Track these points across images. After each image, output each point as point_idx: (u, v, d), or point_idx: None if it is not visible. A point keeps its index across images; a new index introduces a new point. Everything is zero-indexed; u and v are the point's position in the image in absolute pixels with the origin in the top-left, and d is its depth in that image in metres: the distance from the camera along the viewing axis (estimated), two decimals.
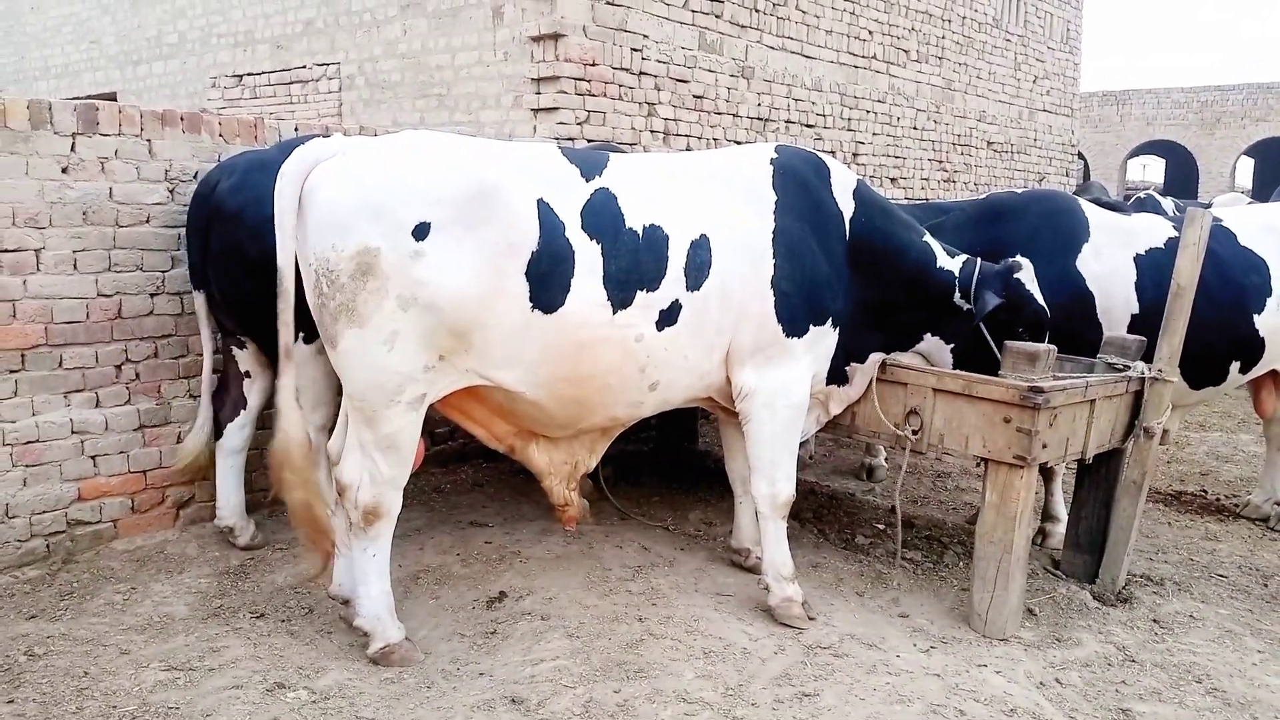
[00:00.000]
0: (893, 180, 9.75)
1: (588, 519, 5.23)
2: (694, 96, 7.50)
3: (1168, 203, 10.57)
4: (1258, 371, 5.81)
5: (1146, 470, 4.88)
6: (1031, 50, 11.98)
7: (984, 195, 5.91)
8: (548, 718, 3.38)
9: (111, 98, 10.53)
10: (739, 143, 7.79)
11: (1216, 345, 5.51)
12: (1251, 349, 5.61)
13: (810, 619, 4.22)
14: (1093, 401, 4.44)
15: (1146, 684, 3.99)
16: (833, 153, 8.94)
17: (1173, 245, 5.54)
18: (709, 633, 4.05)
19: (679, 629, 4.06)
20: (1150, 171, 33.37)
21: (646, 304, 3.83)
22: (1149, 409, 4.81)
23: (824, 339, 4.26)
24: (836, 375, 4.49)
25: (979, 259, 4.58)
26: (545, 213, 3.67)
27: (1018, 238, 5.49)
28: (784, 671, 3.78)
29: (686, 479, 6.20)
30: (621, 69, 6.85)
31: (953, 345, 4.62)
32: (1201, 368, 5.56)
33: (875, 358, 4.53)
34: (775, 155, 4.30)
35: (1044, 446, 4.15)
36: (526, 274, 3.61)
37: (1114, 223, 5.72)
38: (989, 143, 11.43)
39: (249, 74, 8.91)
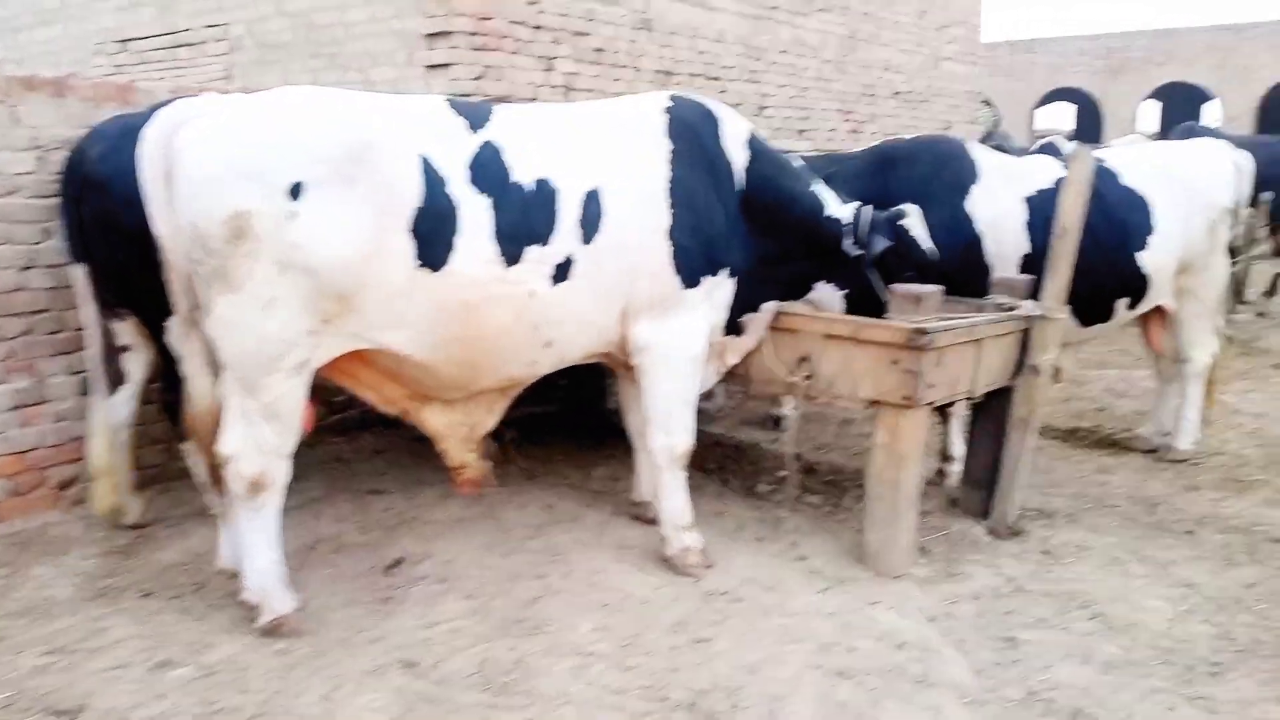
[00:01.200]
0: (800, 133, 9.77)
1: (491, 483, 5.19)
2: (594, 50, 7.39)
3: (1071, 147, 10.77)
4: (1144, 308, 5.97)
5: (1034, 407, 4.99)
6: None
7: (877, 143, 5.94)
8: (442, 678, 3.36)
9: None
10: None
11: (1103, 283, 5.64)
12: (1137, 286, 5.77)
13: (708, 566, 4.26)
14: (979, 341, 4.52)
15: (1034, 612, 4.11)
16: (738, 106, 8.91)
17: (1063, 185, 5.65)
18: (608, 585, 4.06)
19: (578, 583, 4.06)
20: (1064, 120, 34.06)
21: (539, 259, 3.79)
22: (1036, 347, 4.91)
23: (720, 289, 4.26)
24: (733, 325, 4.49)
25: (868, 205, 4.61)
26: (428, 167, 3.59)
27: (909, 184, 5.53)
28: (680, 619, 3.81)
29: (594, 437, 6.19)
30: (518, 23, 6.72)
31: (845, 291, 4.65)
32: (1090, 306, 5.70)
33: (770, 306, 4.55)
34: (669, 104, 4.26)
35: (931, 387, 4.21)
36: (411, 231, 3.54)
37: (1003, 165, 5.81)
38: (895, 93, 11.50)
39: (134, 39, 8.54)
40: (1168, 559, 4.77)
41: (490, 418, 4.26)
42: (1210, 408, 6.60)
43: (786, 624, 3.80)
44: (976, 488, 5.20)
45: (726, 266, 4.23)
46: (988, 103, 14.72)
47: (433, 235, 3.57)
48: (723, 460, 5.88)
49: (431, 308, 3.63)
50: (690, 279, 4.11)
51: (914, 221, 4.62)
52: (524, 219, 3.74)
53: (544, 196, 3.81)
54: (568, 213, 3.85)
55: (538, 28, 6.90)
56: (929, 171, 5.60)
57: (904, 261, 4.53)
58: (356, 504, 4.87)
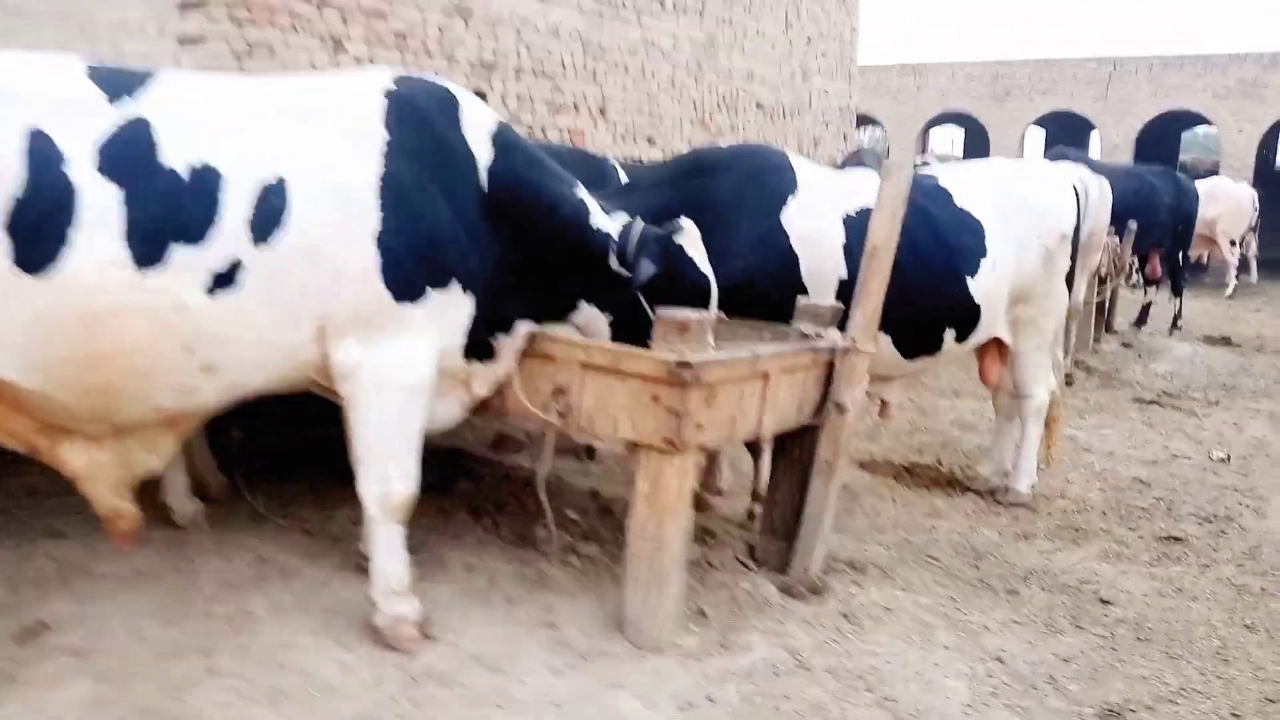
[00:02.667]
0: (650, 140, 9.25)
1: (195, 525, 4.44)
2: (395, 35, 6.70)
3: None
4: (977, 339, 5.54)
5: (840, 449, 4.47)
6: (804, 10, 11.70)
7: (689, 151, 5.39)
8: None
9: None
10: None
11: (928, 311, 5.20)
12: (966, 315, 5.33)
13: (426, 639, 3.58)
14: (766, 375, 3.95)
15: (812, 695, 3.56)
16: (575, 107, 8.33)
17: None
18: (291, 665, 3.35)
19: (252, 663, 3.34)
20: (953, 143, 34.62)
21: (190, 263, 3.08)
22: (841, 382, 4.39)
23: (452, 306, 3.59)
24: (480, 349, 3.84)
25: (641, 221, 4.02)
26: (37, 145, 2.87)
27: (719, 195, 5.00)
28: (363, 712, 3.12)
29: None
30: None
31: (611, 318, 4.04)
32: (913, 335, 5.24)
33: (523, 329, 3.91)
34: (392, 86, 3.59)
35: (699, 428, 3.62)
36: (5, 226, 2.81)
37: (825, 181, 5.33)
38: (758, 104, 11.09)
39: None
40: (981, 624, 4.29)
41: (152, 457, 3.52)
42: (1050, 448, 6.22)
43: (495, 718, 3.14)
44: (776, 537, 4.66)
45: (460, 280, 3.57)
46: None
47: (37, 231, 2.85)
48: (505, 497, 5.20)
49: (35, 321, 2.90)
50: (406, 293, 3.44)
51: (689, 240, 4.04)
52: (169, 213, 3.03)
53: (201, 186, 3.11)
54: (234, 208, 3.15)
55: (323, 5, 6.18)
56: (743, 182, 5.07)
57: (677, 286, 3.94)
58: (17, 551, 4.04)
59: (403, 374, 3.50)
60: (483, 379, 3.92)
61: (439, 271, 3.50)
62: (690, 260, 4.02)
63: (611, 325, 4.05)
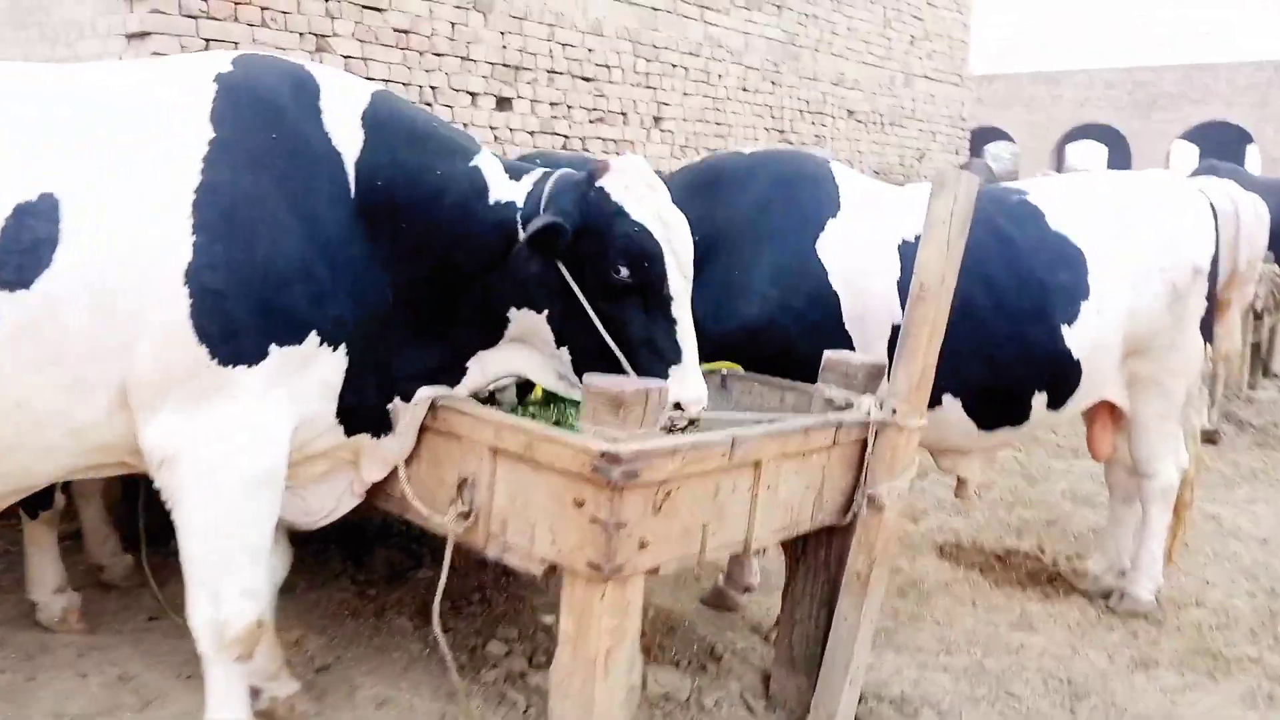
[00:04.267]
0: (713, 153, 8.25)
1: (62, 624, 3.64)
2: (395, 31, 5.89)
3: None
4: (1078, 404, 4.35)
5: (876, 557, 3.38)
6: (907, 6, 10.53)
7: (699, 159, 4.38)
8: None
9: None
10: (472, 95, 6.22)
11: (1010, 369, 4.07)
12: (1062, 374, 4.16)
13: None
14: (756, 464, 2.92)
15: None
16: (622, 115, 7.41)
17: None
18: None
19: None
20: (1094, 158, 32.37)
21: None
22: (876, 469, 3.31)
23: (310, 365, 2.68)
24: (367, 418, 2.92)
25: (567, 171, 3.00)
26: None
27: (737, 213, 4.01)
28: None
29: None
30: None
31: (549, 318, 2.94)
32: (990, 400, 4.12)
33: (426, 392, 2.97)
34: (227, 69, 2.73)
35: (642, 546, 2.61)
36: None
37: (878, 196, 4.25)
38: (849, 111, 9.96)
39: None
40: None
41: None
42: (1177, 539, 4.93)
43: None
44: (795, 670, 3.60)
45: (317, 326, 2.66)
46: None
47: None
48: (470, 595, 4.27)
49: None
50: (233, 351, 2.54)
51: (622, 184, 2.89)
52: None
53: None
54: None
55: None
56: (768, 197, 4.06)
57: (604, 249, 2.83)
58: None
59: (238, 460, 2.60)
60: (377, 459, 3.00)
61: (285, 320, 2.59)
62: (623, 212, 2.87)
63: (556, 332, 3.00)
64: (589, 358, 2.88)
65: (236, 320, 2.53)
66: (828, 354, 3.51)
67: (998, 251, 4.10)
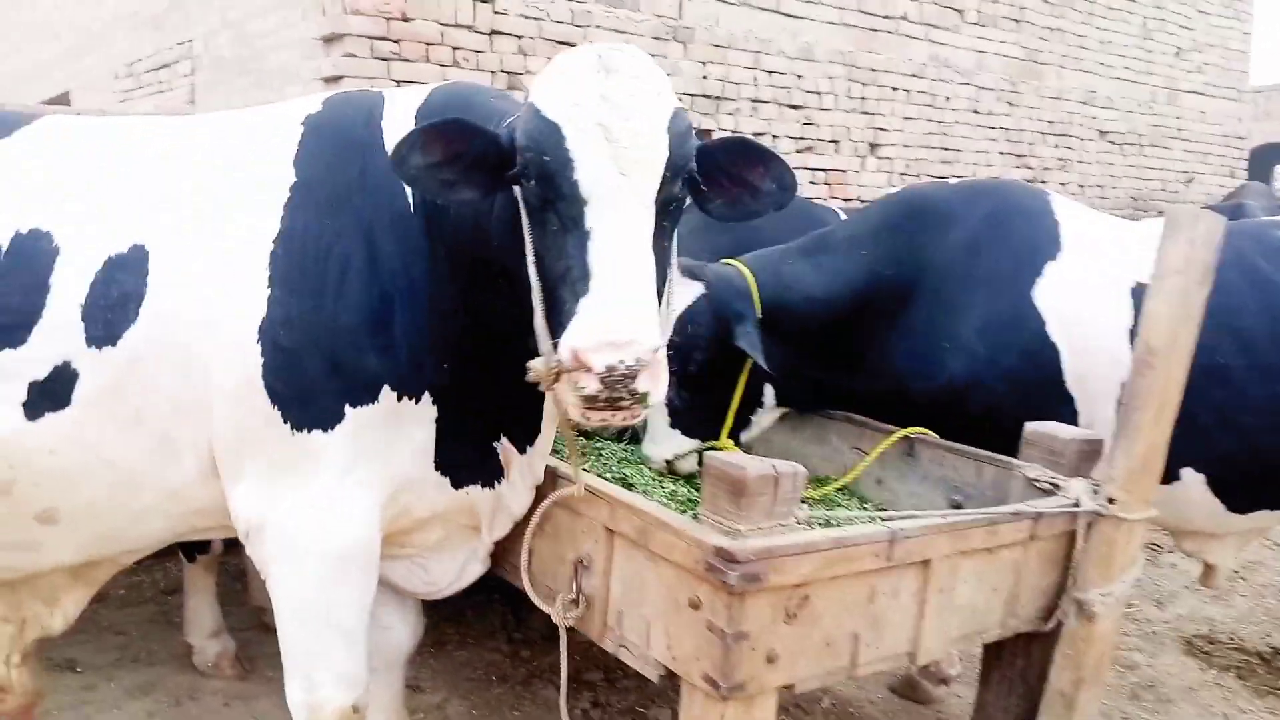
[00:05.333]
0: (940, 180, 7.60)
1: (217, 670, 3.61)
2: None
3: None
4: None
5: (1086, 673, 2.78)
6: (1171, 14, 9.41)
7: (896, 190, 3.88)
8: None
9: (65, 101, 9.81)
10: None
11: (1267, 440, 3.30)
12: None
13: None
14: (925, 562, 2.43)
15: None
16: (834, 144, 6.93)
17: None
18: None
19: None
20: None
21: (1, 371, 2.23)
22: (1087, 568, 2.73)
23: (395, 422, 2.40)
24: (479, 468, 2.59)
25: None
26: None
27: (944, 253, 3.51)
28: None
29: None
30: (458, 25, 5.19)
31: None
32: (1245, 480, 3.39)
33: (543, 442, 2.66)
34: (316, 110, 2.55)
35: (770, 661, 2.19)
36: None
37: (1106, 231, 3.61)
38: (1101, 132, 8.97)
39: (136, 61, 7.82)
40: None
41: (56, 613, 2.70)
42: None
43: None
44: None
45: (393, 378, 2.36)
46: None
47: None
48: (624, 672, 3.94)
49: None
50: (306, 414, 2.32)
51: (562, 70, 2.08)
52: None
53: (21, 262, 2.24)
54: (65, 291, 2.25)
55: (495, 32, 5.33)
56: (978, 235, 3.53)
57: (515, 165, 2.09)
58: None
59: (321, 535, 2.39)
60: (493, 515, 2.70)
61: (356, 377, 2.33)
62: (533, 106, 2.07)
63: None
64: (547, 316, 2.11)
65: (308, 380, 2.30)
66: (1030, 427, 2.95)
67: (1254, 298, 3.39)
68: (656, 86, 2.04)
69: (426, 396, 2.41)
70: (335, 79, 4.90)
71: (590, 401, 1.86)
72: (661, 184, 2.00)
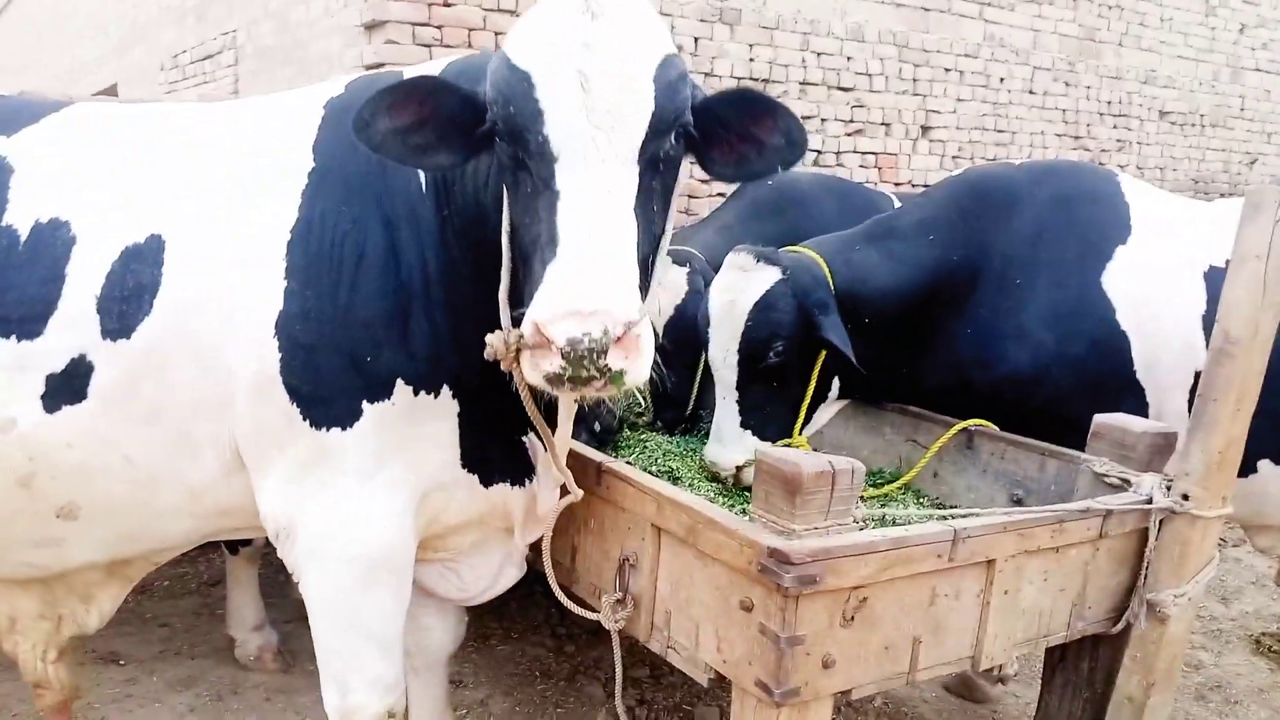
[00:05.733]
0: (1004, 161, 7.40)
1: (259, 663, 3.58)
2: None
3: None
4: None
5: (1157, 680, 2.65)
6: None
7: (959, 172, 3.72)
8: None
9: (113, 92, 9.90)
10: None
11: None
12: None
13: None
14: (989, 564, 2.31)
15: None
16: (885, 126, 6.75)
17: None
18: None
19: None
20: None
21: (16, 363, 2.17)
22: (1159, 567, 2.59)
23: (416, 418, 2.29)
24: (508, 464, 2.47)
25: None
26: None
27: (1009, 239, 3.38)
28: None
29: None
30: (500, 10, 5.09)
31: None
32: None
33: (562, 435, 2.55)
34: (338, 92, 2.44)
35: (826, 666, 2.09)
36: None
37: (1178, 214, 3.44)
38: (1161, 112, 8.68)
39: (181, 53, 7.84)
40: None
41: (91, 610, 2.65)
42: None
43: None
44: None
45: (409, 372, 2.24)
46: None
47: None
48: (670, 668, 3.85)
49: None
50: (324, 412, 2.22)
51: (541, 14, 1.92)
52: None
53: (37, 250, 2.19)
54: (81, 281, 2.19)
55: None
56: (1042, 219, 3.40)
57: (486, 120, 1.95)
58: None
59: (349, 540, 2.30)
60: (525, 513, 2.59)
61: (378, 368, 2.22)
62: (502, 54, 1.94)
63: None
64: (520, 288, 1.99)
65: (326, 377, 2.21)
66: (1099, 419, 2.81)
67: None
68: (647, 31, 1.85)
69: (446, 391, 2.29)
70: (377, 66, 4.83)
71: (554, 381, 1.68)
72: (646, 139, 1.81)
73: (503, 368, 1.79)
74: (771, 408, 3.24)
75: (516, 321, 1.83)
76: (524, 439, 2.47)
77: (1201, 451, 2.57)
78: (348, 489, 2.25)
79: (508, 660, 3.76)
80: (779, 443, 3.23)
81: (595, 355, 1.62)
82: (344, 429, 2.22)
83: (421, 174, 2.27)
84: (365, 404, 2.21)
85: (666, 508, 2.32)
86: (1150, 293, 3.24)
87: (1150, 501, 2.58)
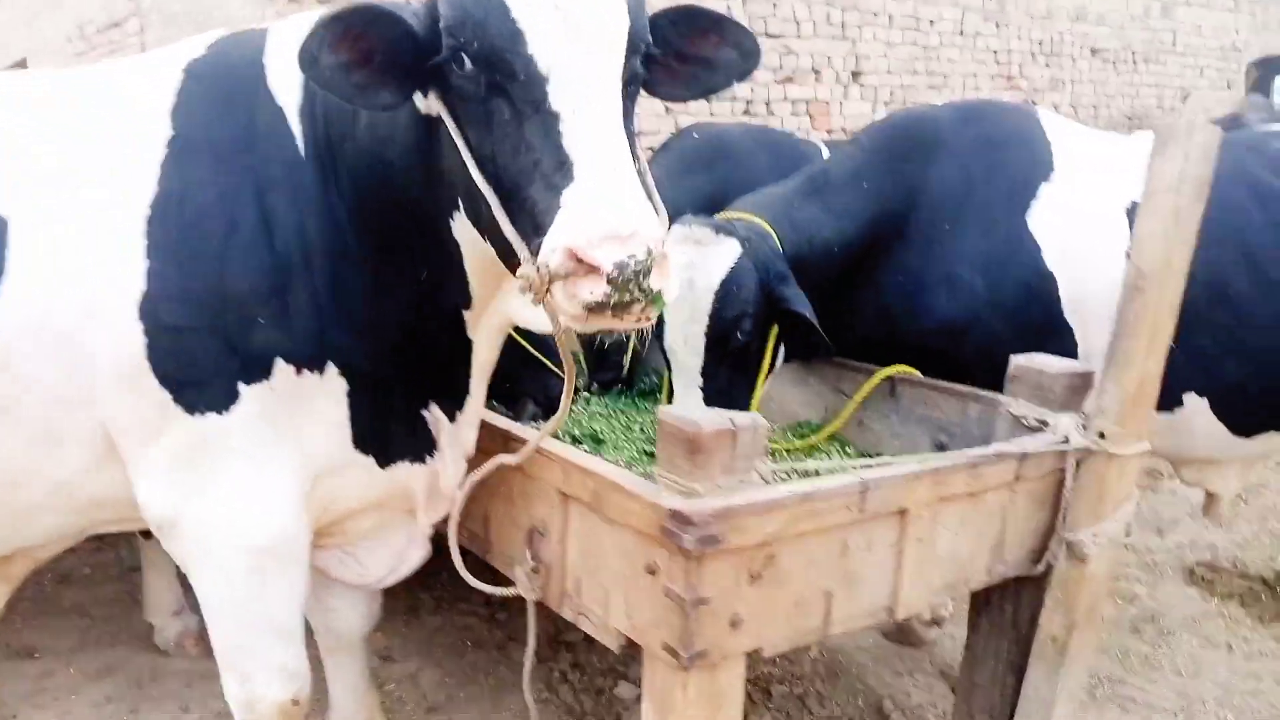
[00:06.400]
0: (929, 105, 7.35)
1: (179, 650, 3.48)
2: None
3: None
4: None
5: (1078, 620, 2.65)
6: None
7: (885, 118, 3.64)
8: None
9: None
10: None
11: (1273, 362, 3.14)
12: None
13: None
14: (902, 513, 2.27)
15: None
16: (815, 73, 6.67)
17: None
18: None
19: None
20: None
21: None
22: (1078, 507, 2.57)
23: (300, 405, 2.19)
24: (407, 441, 2.37)
25: None
26: None
27: (936, 183, 3.28)
28: None
29: None
30: None
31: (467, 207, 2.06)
32: (1249, 401, 3.23)
33: (473, 406, 2.47)
34: (200, 54, 2.28)
35: (734, 625, 2.04)
36: None
37: (1097, 150, 3.40)
38: (1093, 50, 8.68)
39: (85, 22, 7.55)
40: None
41: None
42: None
43: None
44: None
45: (289, 350, 2.14)
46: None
47: None
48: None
49: None
50: (200, 394, 2.12)
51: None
52: None
53: None
54: None
55: None
56: (967, 163, 3.31)
57: (440, 50, 1.84)
58: None
59: (238, 530, 2.21)
60: (427, 493, 2.49)
61: (246, 351, 2.11)
62: None
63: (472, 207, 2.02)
64: (490, 234, 1.90)
65: (199, 359, 2.09)
66: (1015, 360, 2.77)
67: (1257, 212, 3.21)
68: None
69: (332, 368, 2.18)
70: None
71: (598, 309, 1.59)
72: (626, 56, 1.77)
73: (533, 301, 1.67)
74: (735, 391, 3.03)
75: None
76: (426, 413, 2.37)
77: (1116, 388, 2.55)
78: (232, 476, 2.16)
79: (438, 631, 3.70)
80: None
81: (640, 278, 1.56)
82: (221, 413, 2.11)
83: (300, 138, 2.15)
84: (242, 386, 2.11)
85: (573, 474, 2.25)
86: (1075, 231, 3.20)
87: (1067, 442, 2.56)
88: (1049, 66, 8.35)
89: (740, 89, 6.28)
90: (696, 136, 4.60)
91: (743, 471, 2.05)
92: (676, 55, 1.98)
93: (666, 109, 5.86)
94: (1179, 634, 3.97)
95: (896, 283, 3.26)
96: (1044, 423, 2.64)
